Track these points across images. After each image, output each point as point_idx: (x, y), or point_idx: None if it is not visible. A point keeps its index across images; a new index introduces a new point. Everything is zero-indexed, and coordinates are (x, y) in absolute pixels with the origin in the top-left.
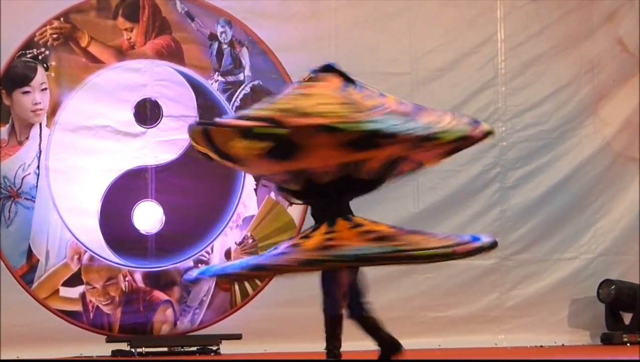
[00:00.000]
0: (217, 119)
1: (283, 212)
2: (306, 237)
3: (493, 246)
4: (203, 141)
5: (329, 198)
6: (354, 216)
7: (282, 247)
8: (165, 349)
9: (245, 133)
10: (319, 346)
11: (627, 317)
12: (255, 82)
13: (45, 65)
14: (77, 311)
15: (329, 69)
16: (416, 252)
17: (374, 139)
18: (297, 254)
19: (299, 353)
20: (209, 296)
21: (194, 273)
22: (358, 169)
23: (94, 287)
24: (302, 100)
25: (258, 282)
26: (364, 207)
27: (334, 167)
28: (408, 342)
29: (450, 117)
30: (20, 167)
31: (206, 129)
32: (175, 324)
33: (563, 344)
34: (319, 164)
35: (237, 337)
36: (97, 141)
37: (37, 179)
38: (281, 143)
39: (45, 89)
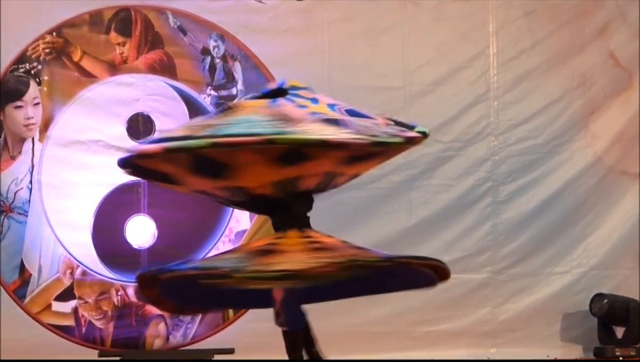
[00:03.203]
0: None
1: None
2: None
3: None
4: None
5: (280, 212)
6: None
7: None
8: None
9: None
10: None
11: (619, 331)
12: (248, 97)
13: (37, 79)
14: (70, 325)
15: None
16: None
17: (305, 150)
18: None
19: None
20: None
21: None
22: (295, 185)
23: (87, 302)
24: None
25: None
26: (356, 222)
27: (269, 185)
28: (400, 357)
29: (382, 121)
30: (12, 181)
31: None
32: (167, 338)
33: (555, 358)
34: (252, 182)
35: (230, 351)
36: (90, 156)
37: (30, 193)
38: (203, 160)
39: (38, 103)
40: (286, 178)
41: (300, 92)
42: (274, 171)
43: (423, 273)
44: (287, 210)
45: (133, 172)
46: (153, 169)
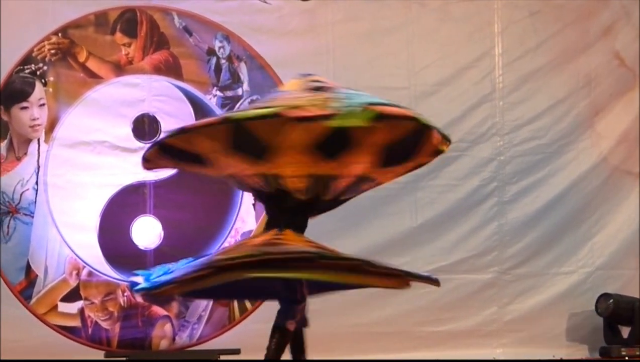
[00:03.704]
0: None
1: None
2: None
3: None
4: (161, 156)
5: (294, 216)
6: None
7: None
8: None
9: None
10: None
11: (625, 331)
12: (254, 97)
13: (43, 80)
14: (76, 326)
15: None
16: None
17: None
18: (241, 248)
19: None
20: (208, 311)
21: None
22: (327, 188)
23: (93, 303)
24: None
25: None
26: (362, 222)
27: (305, 177)
28: (406, 357)
29: None
30: (18, 182)
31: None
32: (173, 339)
33: (561, 358)
34: (290, 170)
35: (236, 352)
36: (96, 157)
37: (36, 194)
38: (253, 140)
39: (44, 104)
40: (323, 175)
41: None
42: (312, 162)
43: None
44: (297, 213)
45: (158, 155)
46: (186, 148)
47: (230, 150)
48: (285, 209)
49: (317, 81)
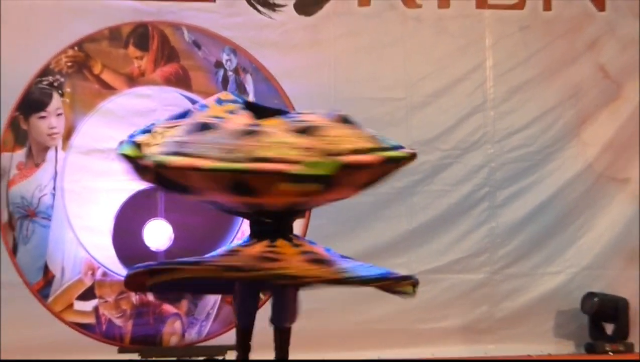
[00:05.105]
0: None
1: None
2: (247, 246)
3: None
4: (150, 176)
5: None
6: (294, 235)
7: (219, 251)
8: (174, 359)
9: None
10: (322, 357)
11: (609, 328)
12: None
13: (60, 91)
14: (91, 323)
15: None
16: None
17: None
18: (233, 258)
19: None
20: (215, 309)
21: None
22: (309, 205)
23: (107, 301)
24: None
25: (262, 295)
26: (361, 225)
27: (288, 206)
28: (404, 352)
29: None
30: (37, 188)
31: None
32: (183, 335)
33: (549, 354)
34: (274, 201)
35: None
36: (110, 163)
37: (53, 199)
38: (249, 188)
39: (61, 114)
40: (304, 202)
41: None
42: (298, 195)
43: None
44: (279, 222)
45: (154, 179)
46: (179, 181)
47: (224, 191)
48: (267, 223)
49: (303, 121)
